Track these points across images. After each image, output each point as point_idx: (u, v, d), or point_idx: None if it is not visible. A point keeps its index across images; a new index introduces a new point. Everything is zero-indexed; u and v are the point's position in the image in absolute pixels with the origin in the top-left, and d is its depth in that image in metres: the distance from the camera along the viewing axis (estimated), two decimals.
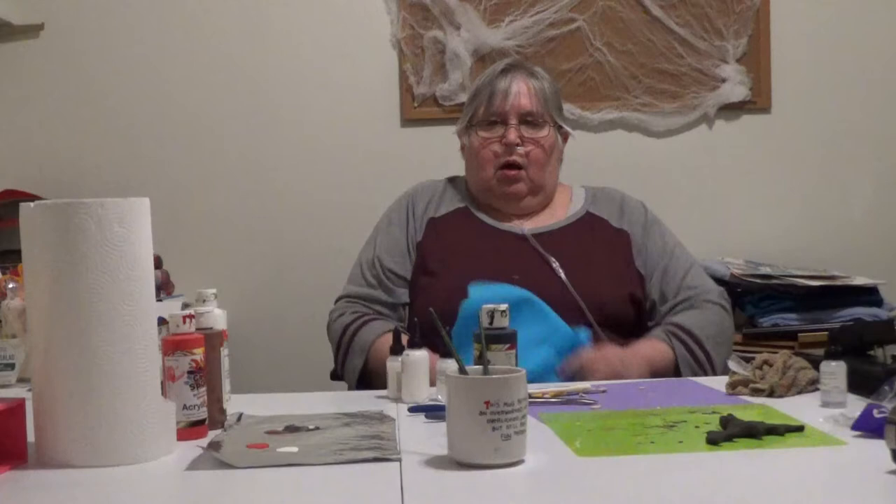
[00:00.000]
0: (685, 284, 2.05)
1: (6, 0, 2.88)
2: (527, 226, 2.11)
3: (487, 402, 1.17)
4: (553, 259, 2.02)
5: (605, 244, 2.09)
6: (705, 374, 1.91)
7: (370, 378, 1.95)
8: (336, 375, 2.12)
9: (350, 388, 2.00)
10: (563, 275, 2.00)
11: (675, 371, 1.92)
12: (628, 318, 2.04)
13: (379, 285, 2.09)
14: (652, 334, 1.98)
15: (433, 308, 1.38)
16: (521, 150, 2.10)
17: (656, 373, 1.88)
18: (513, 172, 2.10)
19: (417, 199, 2.18)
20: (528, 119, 2.11)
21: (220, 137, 2.99)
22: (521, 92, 2.11)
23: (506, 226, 2.12)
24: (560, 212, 2.16)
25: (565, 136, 2.19)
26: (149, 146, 2.98)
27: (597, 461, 1.23)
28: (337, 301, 2.13)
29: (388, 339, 1.90)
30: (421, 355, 1.60)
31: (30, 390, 1.31)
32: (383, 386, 1.68)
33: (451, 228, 2.12)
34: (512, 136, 2.09)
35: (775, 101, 3.04)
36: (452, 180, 2.25)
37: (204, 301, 1.51)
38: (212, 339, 1.44)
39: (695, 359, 1.93)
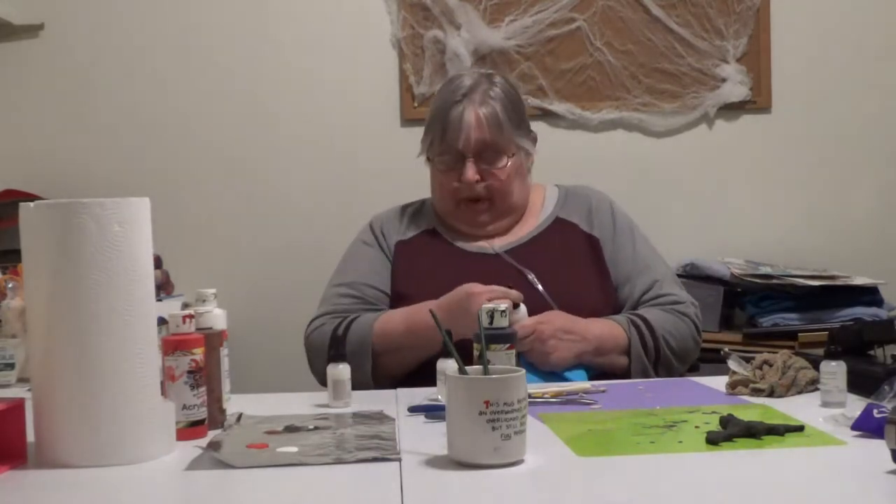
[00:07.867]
0: (658, 291, 2.00)
1: (6, 0, 2.88)
2: (497, 243, 2.05)
3: (487, 402, 1.17)
4: (528, 271, 1.97)
5: (577, 250, 2.04)
6: (647, 376, 1.88)
7: (383, 369, 1.90)
8: None
9: (368, 387, 1.84)
10: (540, 287, 1.95)
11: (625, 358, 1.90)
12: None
13: (362, 301, 2.01)
14: (613, 317, 1.93)
15: None
16: (480, 186, 2.02)
17: (600, 353, 1.86)
18: (474, 204, 2.04)
19: (383, 225, 2.11)
20: (484, 153, 2.02)
21: (220, 137, 2.99)
22: (473, 125, 2.00)
23: (475, 246, 2.05)
24: (531, 220, 2.10)
25: (533, 140, 2.11)
26: (149, 146, 2.98)
27: (597, 461, 1.23)
28: (311, 322, 2.01)
29: (389, 318, 1.89)
30: None
31: (30, 390, 1.31)
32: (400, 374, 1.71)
33: (421, 251, 2.07)
34: (470, 174, 2.01)
35: (775, 101, 3.04)
36: (412, 206, 2.18)
37: (204, 301, 1.51)
38: (212, 339, 1.44)
39: (647, 355, 1.89)
